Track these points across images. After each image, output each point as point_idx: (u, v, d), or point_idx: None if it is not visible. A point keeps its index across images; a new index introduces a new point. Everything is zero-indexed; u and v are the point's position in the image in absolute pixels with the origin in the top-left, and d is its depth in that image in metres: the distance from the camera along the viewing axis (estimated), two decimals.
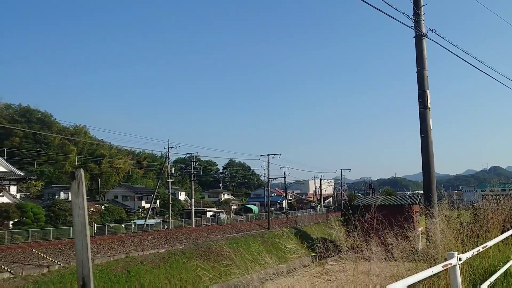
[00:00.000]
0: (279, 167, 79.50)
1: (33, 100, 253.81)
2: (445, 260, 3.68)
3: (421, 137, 11.17)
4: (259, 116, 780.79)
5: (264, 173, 60.92)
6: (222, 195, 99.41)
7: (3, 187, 42.06)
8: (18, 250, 23.83)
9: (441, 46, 10.97)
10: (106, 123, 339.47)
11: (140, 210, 61.86)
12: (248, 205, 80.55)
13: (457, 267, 3.74)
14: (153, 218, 52.30)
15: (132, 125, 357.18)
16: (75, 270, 2.36)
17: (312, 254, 20.06)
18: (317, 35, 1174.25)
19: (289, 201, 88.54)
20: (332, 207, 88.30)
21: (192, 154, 57.87)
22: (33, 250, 24.03)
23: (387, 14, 9.15)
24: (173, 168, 57.31)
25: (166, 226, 46.70)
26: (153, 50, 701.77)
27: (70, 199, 3.20)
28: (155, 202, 58.58)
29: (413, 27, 10.92)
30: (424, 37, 11.16)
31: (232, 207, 78.93)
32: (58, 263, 22.53)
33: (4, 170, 45.29)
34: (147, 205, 58.51)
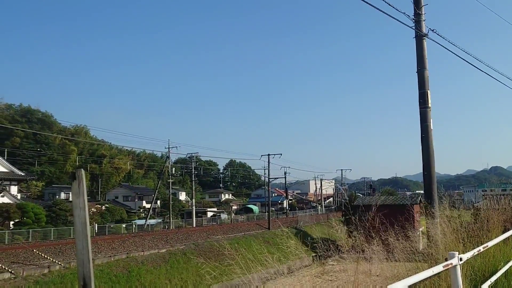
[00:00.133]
0: (279, 167, 79.72)
1: (33, 101, 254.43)
2: (446, 260, 3.67)
3: (422, 137, 11.14)
4: (259, 116, 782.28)
5: (264, 173, 61.20)
6: (222, 195, 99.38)
7: (4, 187, 42.10)
8: (19, 250, 23.84)
9: (442, 46, 10.97)
10: (106, 123, 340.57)
11: (141, 210, 61.95)
12: (249, 205, 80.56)
13: (458, 267, 3.73)
14: (154, 218, 52.35)
15: (132, 125, 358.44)
16: (76, 270, 2.36)
17: (313, 254, 20.07)
18: (318, 35, 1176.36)
19: (290, 201, 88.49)
20: (333, 207, 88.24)
21: (193, 154, 58.03)
22: (34, 250, 24.03)
23: (388, 14, 9.14)
24: (174, 168, 57.30)
25: (166, 226, 46.73)
26: (153, 50, 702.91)
27: (70, 199, 3.21)
28: (156, 202, 58.59)
29: (413, 27, 10.90)
30: (424, 37, 11.14)
31: (233, 207, 79.05)
32: (59, 263, 22.55)
33: (5, 170, 45.27)
34: (148, 205, 58.60)
